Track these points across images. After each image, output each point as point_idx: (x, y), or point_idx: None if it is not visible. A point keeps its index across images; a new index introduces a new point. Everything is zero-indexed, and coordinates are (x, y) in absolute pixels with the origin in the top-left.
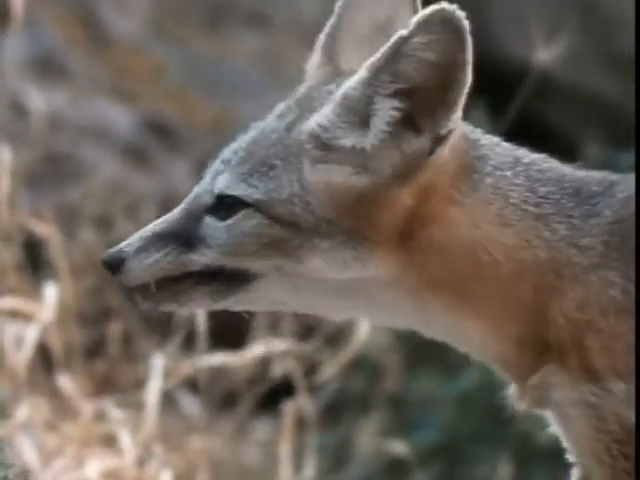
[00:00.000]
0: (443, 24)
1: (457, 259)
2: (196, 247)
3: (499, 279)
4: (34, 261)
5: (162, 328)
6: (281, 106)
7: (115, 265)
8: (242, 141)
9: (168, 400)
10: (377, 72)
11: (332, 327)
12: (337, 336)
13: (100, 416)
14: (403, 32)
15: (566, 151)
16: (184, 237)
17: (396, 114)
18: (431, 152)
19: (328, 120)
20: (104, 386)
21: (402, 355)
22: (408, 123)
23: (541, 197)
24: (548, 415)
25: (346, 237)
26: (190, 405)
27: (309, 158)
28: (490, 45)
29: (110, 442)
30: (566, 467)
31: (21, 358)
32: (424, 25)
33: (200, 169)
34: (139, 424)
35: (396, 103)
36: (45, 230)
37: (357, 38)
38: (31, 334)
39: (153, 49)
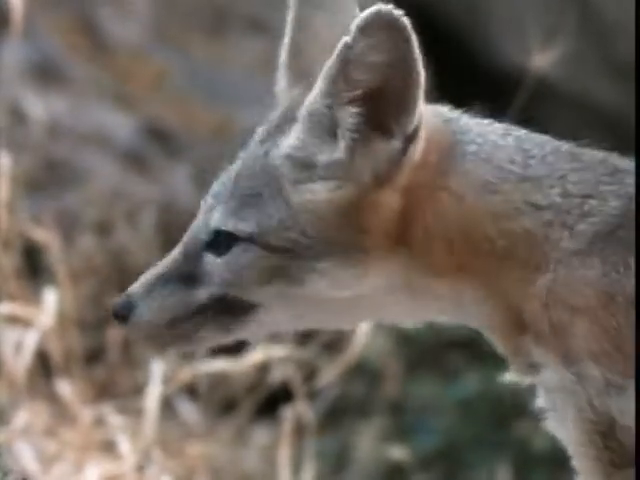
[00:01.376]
0: (382, 25)
1: (454, 240)
2: (199, 284)
3: (495, 253)
4: (33, 267)
5: None
6: (260, 131)
7: (126, 313)
8: (230, 172)
9: (167, 406)
10: (331, 82)
11: (331, 333)
12: (336, 341)
13: (99, 422)
14: (346, 39)
15: None
16: (186, 276)
17: (357, 121)
18: (404, 151)
19: (298, 139)
20: (103, 392)
21: (401, 360)
22: (373, 127)
23: (531, 157)
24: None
25: (343, 254)
26: (189, 411)
27: (289, 181)
28: (488, 50)
29: (109, 448)
30: (566, 471)
31: (20, 364)
32: (364, 29)
33: (200, 175)
34: (138, 430)
35: (355, 110)
36: (44, 236)
37: (321, 47)
38: (30, 340)
39: (153, 56)
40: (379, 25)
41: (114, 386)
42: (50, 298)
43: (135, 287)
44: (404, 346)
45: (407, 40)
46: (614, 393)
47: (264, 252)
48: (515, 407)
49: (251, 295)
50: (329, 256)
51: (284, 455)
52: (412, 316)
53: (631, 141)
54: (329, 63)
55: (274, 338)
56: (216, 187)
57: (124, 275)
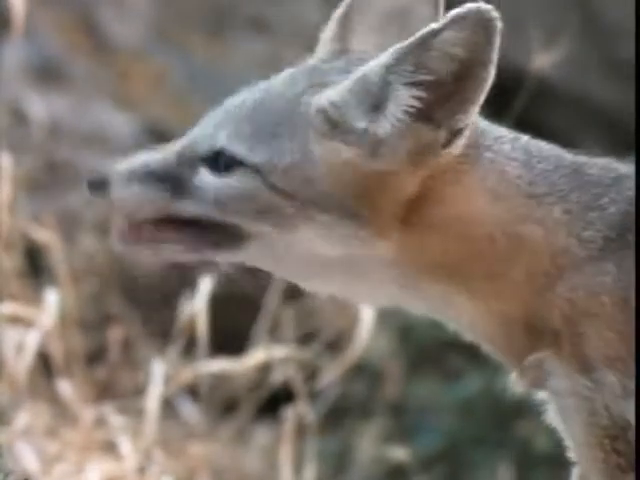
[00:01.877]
0: (476, 23)
1: (455, 236)
2: (188, 195)
3: (494, 257)
4: (35, 267)
5: (162, 334)
6: (289, 72)
7: (99, 187)
8: (248, 98)
9: (168, 406)
10: (402, 60)
11: (332, 333)
12: (337, 342)
13: (100, 422)
14: (435, 25)
15: None
16: (175, 181)
17: (415, 104)
18: (446, 144)
19: (342, 98)
20: (104, 392)
21: (403, 361)
22: (425, 114)
23: (537, 174)
24: (545, 400)
25: (345, 214)
26: (190, 411)
27: (316, 132)
28: None
29: (110, 448)
30: (567, 471)
31: (21, 364)
32: (457, 22)
33: None
34: (139, 430)
35: (416, 93)
36: (46, 236)
37: (371, 21)
38: (31, 340)
39: (154, 56)
40: (474, 23)
41: (115, 386)
42: (51, 298)
43: (116, 169)
44: (405, 346)
45: (492, 44)
46: (630, 397)
47: (264, 186)
48: (516, 407)
49: (240, 223)
50: (329, 211)
51: (285, 455)
52: (390, 303)
53: (631, 141)
54: (406, 42)
55: (275, 338)
56: (231, 106)
57: (125, 275)
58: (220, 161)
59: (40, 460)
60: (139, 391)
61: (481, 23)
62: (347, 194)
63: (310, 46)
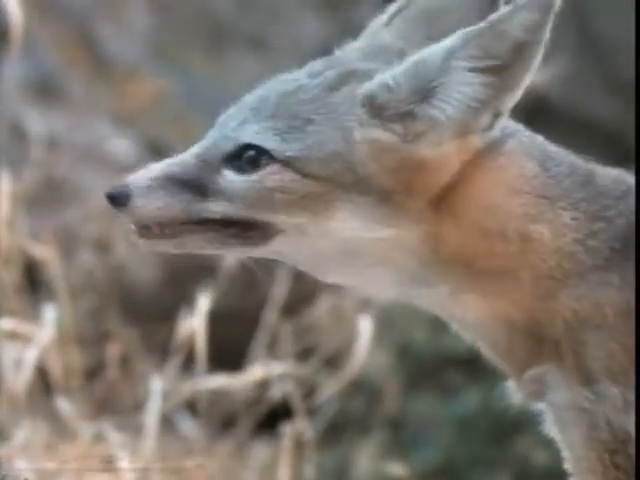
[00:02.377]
0: (542, 7)
1: (472, 228)
2: (212, 197)
3: (504, 255)
4: (33, 283)
5: (161, 350)
6: (311, 65)
7: (121, 200)
8: (271, 92)
9: (167, 422)
10: (468, 45)
11: (330, 349)
12: (336, 358)
13: (99, 438)
14: (504, 11)
15: None
16: (198, 186)
17: (476, 89)
18: (491, 126)
19: (395, 82)
20: (103, 408)
21: (401, 377)
22: (481, 98)
23: (550, 177)
24: (543, 411)
25: (382, 197)
26: (189, 427)
27: (362, 117)
28: None
29: (109, 464)
30: None
31: (20, 380)
32: (527, 7)
33: None
34: (138, 446)
35: (479, 79)
36: (44, 252)
37: (409, 16)
38: (30, 356)
39: (153, 73)
40: (540, 7)
41: (113, 402)
42: (49, 314)
43: (136, 178)
44: (403, 362)
45: (548, 23)
46: (631, 410)
47: (299, 177)
48: (514, 423)
49: (270, 218)
50: (368, 194)
51: (284, 471)
52: (399, 295)
53: (631, 158)
54: (473, 27)
55: (273, 354)
56: (254, 102)
57: (123, 292)
58: (245, 158)
59: (39, 476)
60: (138, 407)
61: (545, 7)
62: (387, 178)
63: (307, 62)
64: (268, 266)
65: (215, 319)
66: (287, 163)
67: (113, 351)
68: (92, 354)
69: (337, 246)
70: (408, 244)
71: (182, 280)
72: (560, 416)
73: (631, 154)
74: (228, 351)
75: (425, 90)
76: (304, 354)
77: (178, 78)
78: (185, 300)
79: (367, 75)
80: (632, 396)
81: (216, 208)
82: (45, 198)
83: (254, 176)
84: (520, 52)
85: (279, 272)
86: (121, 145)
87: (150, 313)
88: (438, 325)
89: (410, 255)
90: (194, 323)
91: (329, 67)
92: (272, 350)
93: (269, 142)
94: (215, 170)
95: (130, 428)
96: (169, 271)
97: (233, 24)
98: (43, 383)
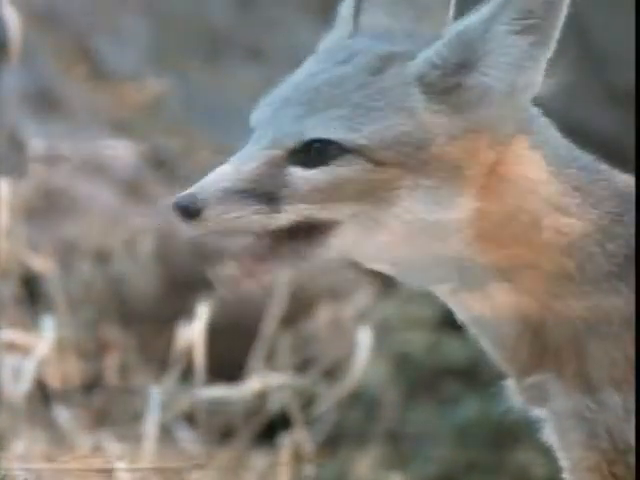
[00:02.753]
0: None
1: (512, 208)
2: (281, 202)
3: (535, 246)
4: (32, 294)
5: (159, 361)
6: (332, 54)
7: (192, 211)
8: (316, 83)
9: (165, 433)
10: (507, 8)
11: (329, 360)
12: (334, 369)
13: (97, 448)
14: None
15: None
16: (267, 192)
17: (519, 50)
18: (533, 85)
19: (440, 57)
20: (101, 419)
21: (399, 388)
22: (528, 60)
23: (580, 169)
24: (542, 417)
25: (446, 177)
26: (187, 438)
27: (418, 96)
28: None
29: (107, 475)
30: None
31: (19, 391)
32: None
33: None
34: (137, 457)
35: (520, 40)
36: (43, 264)
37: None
38: (29, 367)
39: (152, 82)
40: None
41: (112, 413)
42: (48, 325)
43: (205, 188)
44: (402, 373)
45: None
46: (632, 420)
47: (370, 165)
48: (513, 433)
49: (333, 214)
50: (432, 177)
51: None
52: (436, 281)
53: (630, 169)
54: None
55: (272, 365)
56: (302, 95)
57: (122, 302)
58: (312, 153)
59: None
60: (136, 418)
61: None
62: (451, 157)
63: None
64: (266, 277)
65: (214, 330)
66: (358, 152)
67: (111, 362)
68: (91, 365)
69: (398, 232)
70: (460, 226)
71: (181, 291)
72: (560, 424)
73: (629, 164)
74: (227, 362)
75: (472, 60)
76: (303, 365)
77: (177, 87)
78: (184, 311)
79: (406, 56)
80: (633, 405)
81: (290, 216)
82: (44, 209)
83: (325, 169)
84: (551, 6)
85: (278, 283)
86: (120, 155)
87: (149, 324)
88: (436, 336)
89: (458, 237)
90: (193, 334)
91: (354, 54)
92: (271, 361)
93: (336, 133)
94: (281, 170)
95: (129, 439)
96: (168, 282)
97: (231, 33)
98: (42, 394)
